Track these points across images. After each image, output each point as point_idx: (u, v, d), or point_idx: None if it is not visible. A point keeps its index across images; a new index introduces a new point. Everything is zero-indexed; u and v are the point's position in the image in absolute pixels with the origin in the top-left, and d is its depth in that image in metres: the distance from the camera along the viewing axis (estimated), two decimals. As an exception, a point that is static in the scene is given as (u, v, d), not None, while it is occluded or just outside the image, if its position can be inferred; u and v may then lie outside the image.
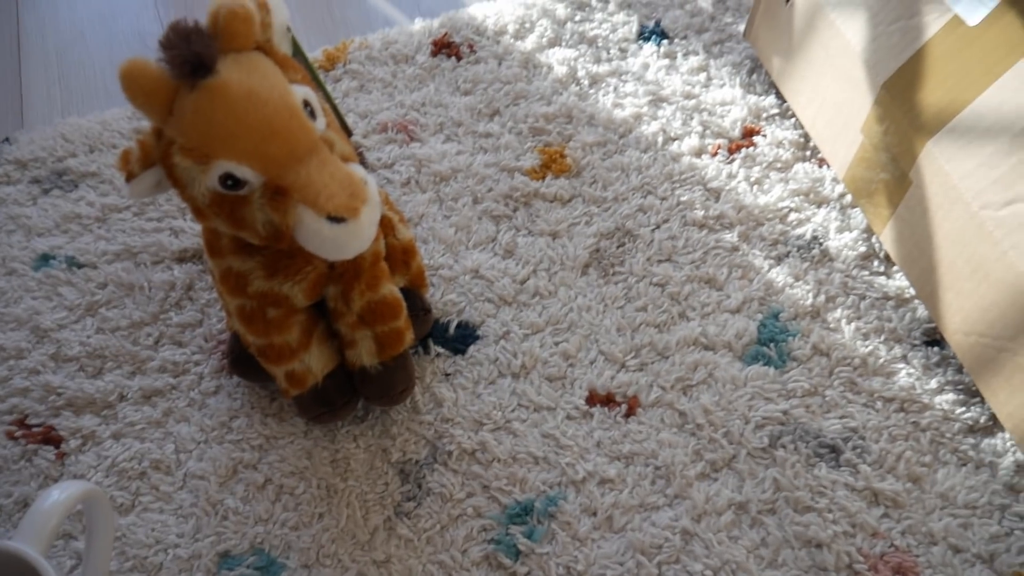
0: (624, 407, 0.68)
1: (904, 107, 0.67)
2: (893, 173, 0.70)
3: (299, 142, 0.52)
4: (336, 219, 0.52)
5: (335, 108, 0.72)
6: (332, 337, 0.66)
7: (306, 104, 0.54)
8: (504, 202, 0.79)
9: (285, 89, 0.52)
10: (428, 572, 0.62)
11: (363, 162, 0.80)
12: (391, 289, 0.65)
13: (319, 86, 0.70)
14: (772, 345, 0.71)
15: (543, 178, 0.81)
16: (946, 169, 0.64)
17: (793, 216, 0.78)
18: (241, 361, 0.67)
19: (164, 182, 0.54)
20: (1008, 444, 0.66)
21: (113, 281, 0.76)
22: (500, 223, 0.79)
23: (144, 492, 0.66)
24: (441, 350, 0.72)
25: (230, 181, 0.51)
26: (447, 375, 0.71)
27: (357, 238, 0.53)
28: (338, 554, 0.63)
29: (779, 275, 0.75)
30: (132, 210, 0.80)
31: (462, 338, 0.72)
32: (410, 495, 0.65)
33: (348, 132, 0.60)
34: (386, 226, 0.68)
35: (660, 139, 0.84)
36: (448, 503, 0.65)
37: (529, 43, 0.92)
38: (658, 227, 0.78)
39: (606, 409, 0.68)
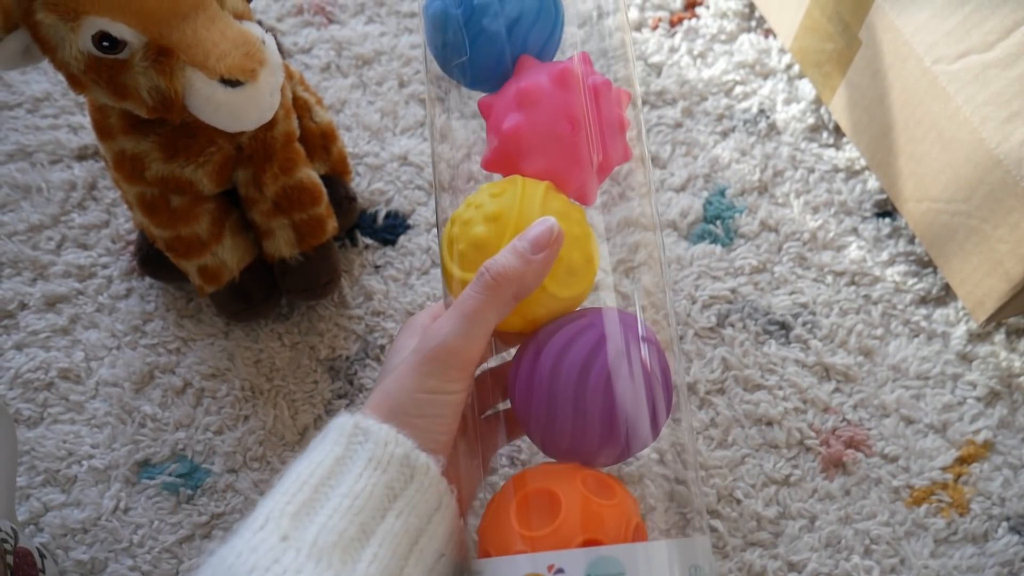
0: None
1: (853, -41, 0.63)
2: (840, 41, 0.66)
3: (181, -6, 0.46)
4: (231, 82, 0.46)
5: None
6: (247, 228, 0.61)
7: (190, -46, 0.48)
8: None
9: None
10: (363, 470, 0.59)
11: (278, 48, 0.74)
12: (308, 173, 0.60)
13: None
14: (718, 222, 0.68)
15: (474, 59, 0.76)
16: (897, 24, 0.60)
17: (738, 89, 0.74)
18: (151, 260, 0.62)
19: (33, 49, 0.47)
20: (961, 313, 0.64)
21: (7, 183, 0.69)
22: (432, 106, 0.73)
23: (53, 403, 0.61)
24: (369, 241, 0.67)
25: (106, 42, 0.45)
26: (377, 267, 0.66)
27: (256, 104, 0.48)
28: (266, 456, 0.60)
29: (725, 151, 0.71)
30: (25, 107, 0.73)
31: (391, 228, 0.68)
32: (341, 392, 0.62)
33: (247, -3, 0.54)
34: (301, 108, 0.63)
35: (595, 14, 0.78)
36: (382, 399, 0.61)
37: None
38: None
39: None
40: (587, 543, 0.38)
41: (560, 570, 0.37)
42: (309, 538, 0.33)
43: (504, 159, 0.45)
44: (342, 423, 0.38)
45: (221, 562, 0.33)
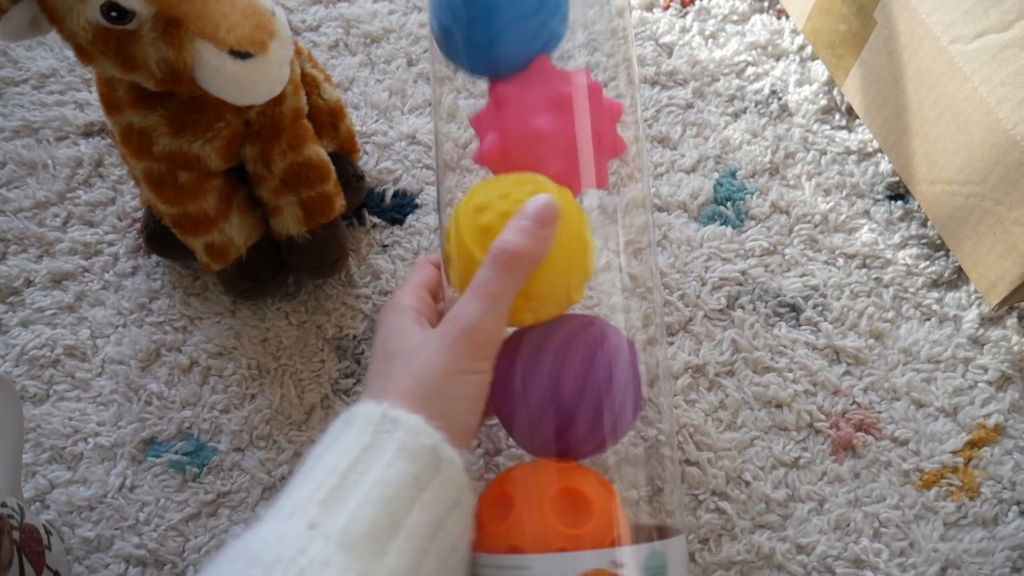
0: (574, 273, 0.64)
1: (869, -63, 0.62)
2: (855, 22, 0.65)
3: (190, -36, 0.45)
4: (240, 54, 0.46)
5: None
6: (255, 206, 0.61)
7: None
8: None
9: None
10: (370, 450, 0.58)
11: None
12: (316, 150, 0.59)
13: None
14: (729, 204, 0.67)
15: (483, 38, 0.75)
16: (913, 3, 0.59)
17: (750, 70, 0.73)
18: (157, 237, 0.62)
19: (40, 19, 0.47)
20: (973, 297, 0.63)
21: (13, 160, 0.69)
22: (439, 85, 0.72)
23: (59, 380, 0.61)
24: (377, 220, 0.67)
25: (114, 12, 0.45)
26: (384, 246, 0.66)
27: (266, 76, 0.47)
28: (273, 435, 0.59)
29: (736, 132, 0.70)
30: (31, 83, 0.72)
31: (399, 207, 0.67)
32: (348, 372, 0.61)
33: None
34: (309, 85, 0.62)
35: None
36: (389, 378, 0.61)
37: None
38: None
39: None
40: (613, 542, 0.40)
41: (621, 564, 0.39)
42: (339, 525, 0.32)
43: (525, 155, 0.46)
44: (369, 411, 0.37)
45: (246, 546, 0.32)
